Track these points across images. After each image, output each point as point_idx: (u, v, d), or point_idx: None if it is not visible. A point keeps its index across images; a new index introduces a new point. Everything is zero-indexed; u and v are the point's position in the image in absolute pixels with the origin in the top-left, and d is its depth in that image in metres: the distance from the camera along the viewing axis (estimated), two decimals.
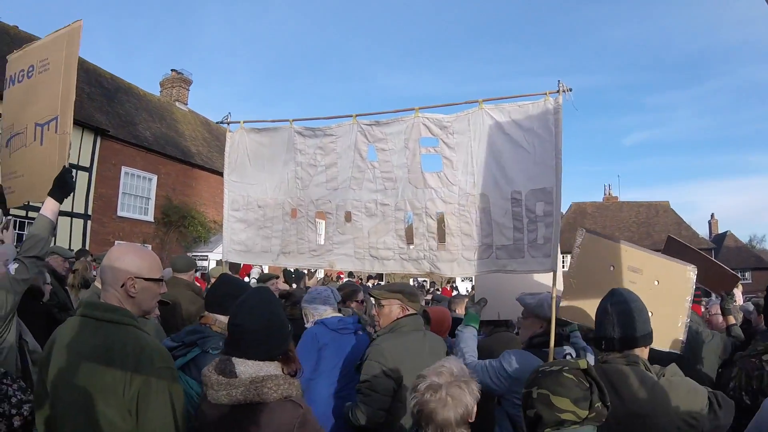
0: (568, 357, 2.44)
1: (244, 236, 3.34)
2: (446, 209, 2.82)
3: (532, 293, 2.59)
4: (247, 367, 1.54)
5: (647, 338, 1.88)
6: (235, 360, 1.56)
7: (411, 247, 2.91)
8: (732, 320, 3.55)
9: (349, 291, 3.93)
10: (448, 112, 2.86)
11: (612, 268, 2.58)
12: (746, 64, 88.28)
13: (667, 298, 2.52)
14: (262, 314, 1.59)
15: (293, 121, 3.21)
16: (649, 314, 1.97)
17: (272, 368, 1.57)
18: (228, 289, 2.30)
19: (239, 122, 3.37)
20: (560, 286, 2.63)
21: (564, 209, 36.68)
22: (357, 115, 3.03)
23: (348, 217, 2.98)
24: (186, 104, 21.03)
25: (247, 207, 3.31)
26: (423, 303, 5.09)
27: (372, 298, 2.91)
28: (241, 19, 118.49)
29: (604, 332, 1.88)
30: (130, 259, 1.70)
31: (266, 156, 3.25)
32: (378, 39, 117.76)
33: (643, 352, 1.88)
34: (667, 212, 33.83)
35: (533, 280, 2.91)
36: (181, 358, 2.13)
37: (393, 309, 2.67)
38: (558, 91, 2.59)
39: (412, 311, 2.68)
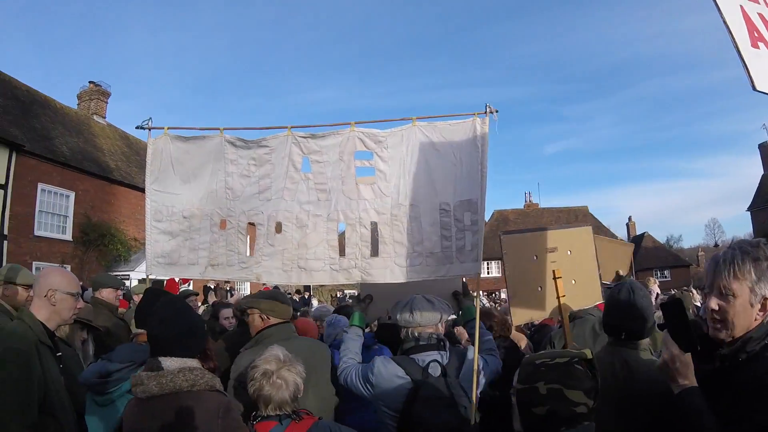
0: (433, 365, 2.25)
1: (169, 248, 3.13)
2: (379, 219, 2.87)
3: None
4: (172, 362, 1.76)
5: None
6: (161, 358, 1.77)
7: (342, 257, 2.88)
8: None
9: None
10: (383, 128, 2.93)
11: (536, 258, 2.74)
12: (659, 75, 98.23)
13: (583, 259, 2.79)
14: (172, 321, 1.81)
15: (224, 129, 3.10)
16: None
17: (194, 363, 1.80)
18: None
19: (162, 128, 3.17)
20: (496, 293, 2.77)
21: (487, 217, 38.87)
22: (292, 127, 3.00)
23: (279, 228, 2.91)
24: (104, 117, 19.88)
25: (170, 218, 3.11)
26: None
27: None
28: (167, 28, 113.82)
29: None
30: (53, 275, 2.26)
31: (192, 165, 3.09)
32: (307, 52, 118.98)
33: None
34: (586, 216, 35.30)
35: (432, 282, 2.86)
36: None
37: (255, 319, 2.62)
38: (485, 112, 2.79)
39: (274, 321, 2.62)
